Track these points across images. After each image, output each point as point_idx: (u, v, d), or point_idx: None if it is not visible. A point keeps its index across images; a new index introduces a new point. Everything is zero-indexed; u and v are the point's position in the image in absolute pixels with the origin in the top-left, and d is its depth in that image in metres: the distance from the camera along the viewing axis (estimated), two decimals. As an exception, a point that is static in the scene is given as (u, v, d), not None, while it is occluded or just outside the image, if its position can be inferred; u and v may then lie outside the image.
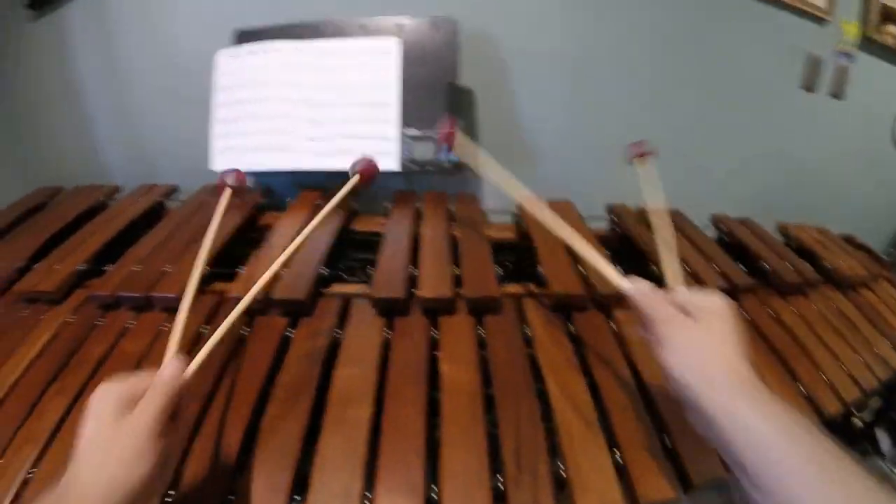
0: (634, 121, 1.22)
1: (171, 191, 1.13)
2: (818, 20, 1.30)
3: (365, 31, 1.01)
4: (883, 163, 1.47)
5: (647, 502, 0.47)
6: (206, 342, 0.48)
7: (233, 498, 0.47)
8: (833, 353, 0.73)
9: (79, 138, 1.37)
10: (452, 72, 0.99)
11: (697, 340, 0.43)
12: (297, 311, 0.70)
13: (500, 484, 0.47)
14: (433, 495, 0.46)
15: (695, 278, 0.78)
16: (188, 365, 0.44)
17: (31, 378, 0.63)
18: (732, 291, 0.78)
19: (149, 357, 0.65)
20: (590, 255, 0.57)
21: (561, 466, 0.49)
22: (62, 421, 0.57)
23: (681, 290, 0.50)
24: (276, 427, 0.53)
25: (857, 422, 1.04)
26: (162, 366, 0.42)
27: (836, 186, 1.44)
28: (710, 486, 0.49)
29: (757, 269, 0.86)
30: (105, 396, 0.38)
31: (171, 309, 0.71)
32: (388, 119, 0.98)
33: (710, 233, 1.02)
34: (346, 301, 0.72)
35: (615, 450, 0.51)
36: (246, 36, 1.06)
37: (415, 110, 0.98)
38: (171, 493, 0.46)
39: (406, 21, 1.00)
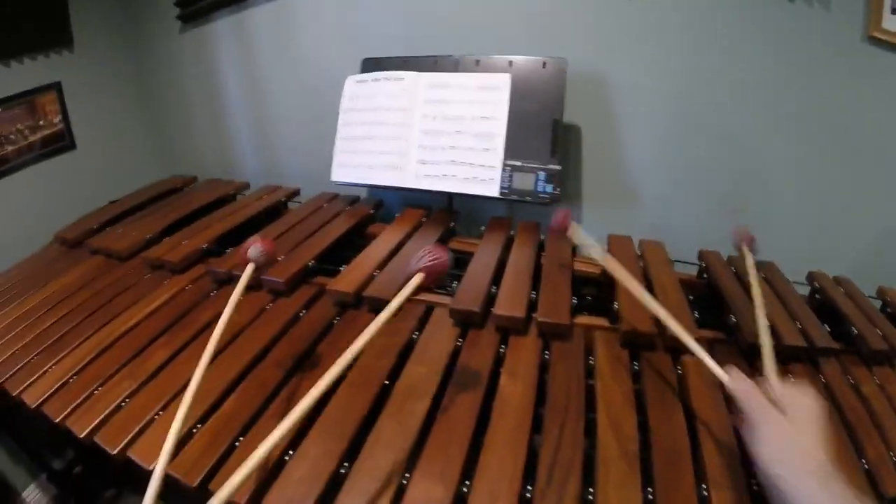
0: (740, 170, 1.20)
1: (294, 193, 1.32)
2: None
3: (479, 67, 1.11)
4: None
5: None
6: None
7: (291, 453, 0.57)
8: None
9: (217, 137, 1.63)
10: (558, 108, 1.05)
11: (788, 436, 0.47)
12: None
13: (528, 493, 0.52)
14: (463, 489, 0.53)
15: (773, 332, 0.78)
16: None
17: (144, 329, 0.81)
18: (810, 352, 0.77)
19: (251, 327, 0.79)
20: (690, 343, 0.63)
21: (591, 492, 0.53)
22: (160, 368, 0.73)
23: (775, 384, 0.54)
24: (343, 403, 0.63)
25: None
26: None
27: None
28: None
29: (845, 333, 0.83)
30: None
31: (278, 292, 0.87)
32: (493, 149, 1.07)
33: (804, 290, 1.00)
34: (429, 309, 0.82)
35: (649, 489, 0.54)
36: (371, 64, 1.21)
37: (519, 142, 1.06)
38: (240, 438, 0.58)
39: (517, 58, 1.08)
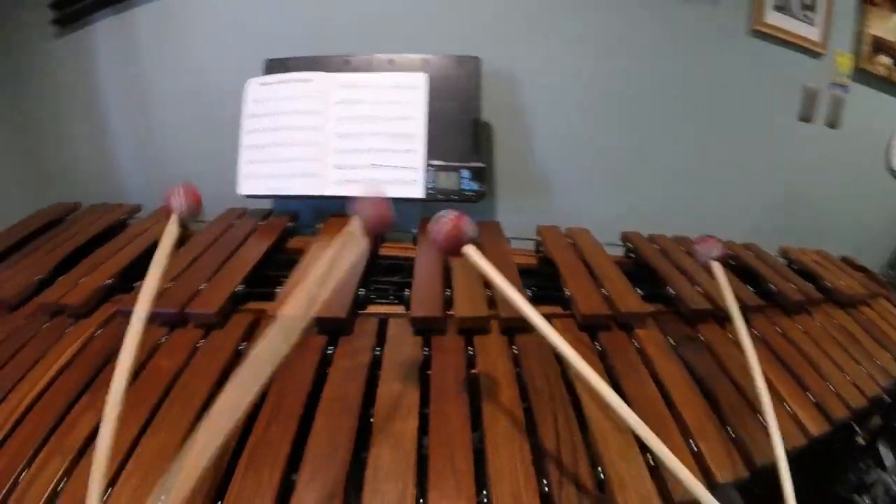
0: (643, 154, 1.29)
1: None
2: (814, 54, 1.38)
3: (393, 66, 1.07)
4: (877, 188, 1.54)
5: (680, 499, 0.51)
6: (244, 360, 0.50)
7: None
8: (838, 364, 0.79)
9: (100, 156, 1.40)
10: (476, 106, 1.05)
11: None
12: (336, 329, 0.74)
13: (546, 487, 0.51)
14: (484, 500, 0.50)
15: (709, 299, 0.83)
16: None
17: (59, 389, 0.65)
18: (743, 311, 0.83)
19: (187, 372, 0.67)
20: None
21: (600, 469, 0.53)
22: (91, 435, 0.57)
23: None
24: (325, 439, 0.56)
25: (860, 439, 1.09)
26: None
27: (834, 212, 1.51)
28: (733, 484, 0.55)
29: (764, 290, 0.92)
30: None
31: (207, 325, 0.75)
32: (414, 149, 1.03)
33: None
34: (384, 320, 0.76)
35: (648, 454, 0.55)
36: (276, 66, 1.12)
37: (440, 142, 1.04)
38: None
39: (432, 57, 1.06)
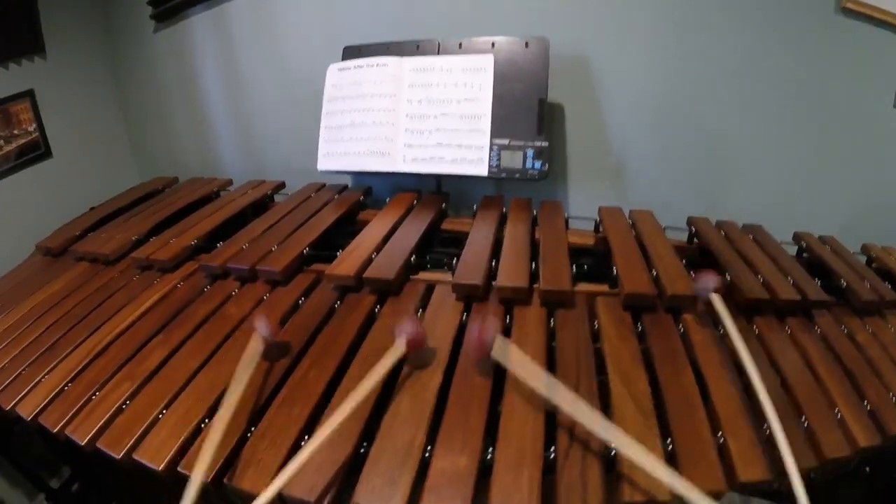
0: (720, 141, 1.23)
1: (280, 186, 1.31)
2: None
3: (462, 50, 1.11)
4: None
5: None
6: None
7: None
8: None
9: (196, 136, 1.59)
10: (542, 87, 1.06)
11: None
12: (385, 290, 0.81)
13: (551, 455, 0.53)
14: (487, 456, 0.53)
15: (768, 288, 0.80)
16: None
17: (138, 330, 0.79)
18: (805, 305, 0.79)
19: (249, 321, 0.77)
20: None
21: (612, 448, 0.53)
22: (159, 368, 0.71)
23: None
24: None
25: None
26: None
27: None
28: (756, 486, 0.52)
29: (835, 287, 0.85)
30: None
31: (274, 282, 0.86)
32: (480, 129, 1.07)
33: (792, 250, 1.02)
34: (431, 286, 0.82)
35: (668, 440, 0.55)
36: (353, 52, 1.20)
37: (505, 122, 1.06)
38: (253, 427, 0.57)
39: (500, 39, 1.08)
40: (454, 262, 0.84)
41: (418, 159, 1.11)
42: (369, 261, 0.86)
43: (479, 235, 0.93)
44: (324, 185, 1.26)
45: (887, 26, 1.09)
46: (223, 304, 0.83)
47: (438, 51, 1.13)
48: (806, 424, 0.59)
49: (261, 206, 1.22)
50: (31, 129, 1.31)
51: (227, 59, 1.44)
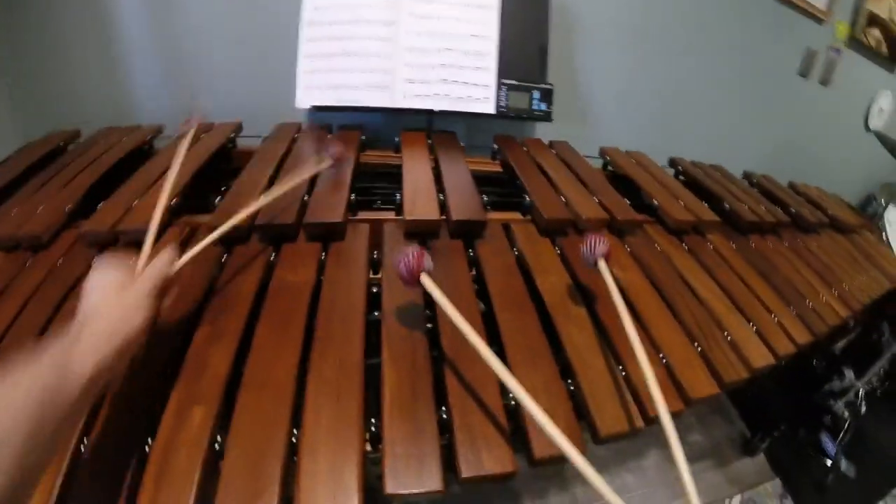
0: (672, 87, 1.46)
1: (236, 128, 1.06)
2: (818, 20, 1.54)
3: (466, -18, 1.08)
4: (856, 141, 1.81)
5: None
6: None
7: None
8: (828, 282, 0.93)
9: (102, 73, 1.20)
10: (544, 31, 1.09)
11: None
12: (328, 235, 0.72)
13: (512, 401, 0.51)
14: (443, 416, 0.51)
15: (691, 212, 0.93)
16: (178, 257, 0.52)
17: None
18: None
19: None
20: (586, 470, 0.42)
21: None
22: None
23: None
24: (336, 327, 0.58)
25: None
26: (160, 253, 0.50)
27: (816, 157, 1.76)
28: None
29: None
30: (106, 273, 0.46)
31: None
32: (486, 67, 1.06)
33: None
34: (377, 225, 0.75)
35: (620, 367, 0.60)
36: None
37: (511, 62, 1.07)
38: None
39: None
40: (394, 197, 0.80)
41: (421, 95, 1.06)
42: (304, 204, 0.76)
43: (415, 169, 0.90)
44: (300, 126, 1.06)
45: (803, 11, 1.42)
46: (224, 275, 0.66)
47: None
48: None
49: (220, 155, 0.96)
50: None
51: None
